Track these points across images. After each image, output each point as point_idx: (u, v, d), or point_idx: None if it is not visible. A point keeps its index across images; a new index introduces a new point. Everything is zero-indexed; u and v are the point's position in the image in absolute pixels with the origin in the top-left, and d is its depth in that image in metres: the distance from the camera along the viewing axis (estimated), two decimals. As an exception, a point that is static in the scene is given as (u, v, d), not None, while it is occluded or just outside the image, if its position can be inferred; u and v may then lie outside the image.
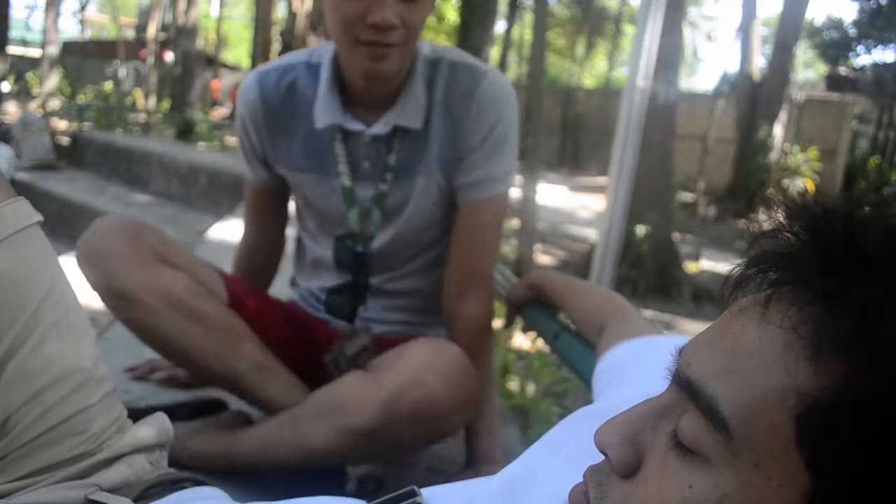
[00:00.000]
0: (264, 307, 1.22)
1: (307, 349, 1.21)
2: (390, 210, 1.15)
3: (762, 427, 0.34)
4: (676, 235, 6.73)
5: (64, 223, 4.95)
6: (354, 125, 1.11)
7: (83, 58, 17.56)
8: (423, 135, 1.12)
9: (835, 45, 13.16)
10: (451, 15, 13.19)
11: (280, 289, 1.40)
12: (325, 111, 1.11)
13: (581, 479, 0.42)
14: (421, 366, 0.98)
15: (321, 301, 1.26)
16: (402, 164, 1.13)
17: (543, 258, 6.49)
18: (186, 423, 1.18)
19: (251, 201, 1.29)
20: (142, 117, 9.87)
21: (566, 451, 0.56)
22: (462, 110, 1.10)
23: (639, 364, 0.75)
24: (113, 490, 0.65)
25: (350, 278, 1.19)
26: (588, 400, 0.82)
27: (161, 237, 1.11)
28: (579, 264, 5.96)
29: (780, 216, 0.37)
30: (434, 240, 1.22)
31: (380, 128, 1.11)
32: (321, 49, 1.16)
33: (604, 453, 0.41)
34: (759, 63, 10.24)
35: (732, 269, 0.39)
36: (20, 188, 0.72)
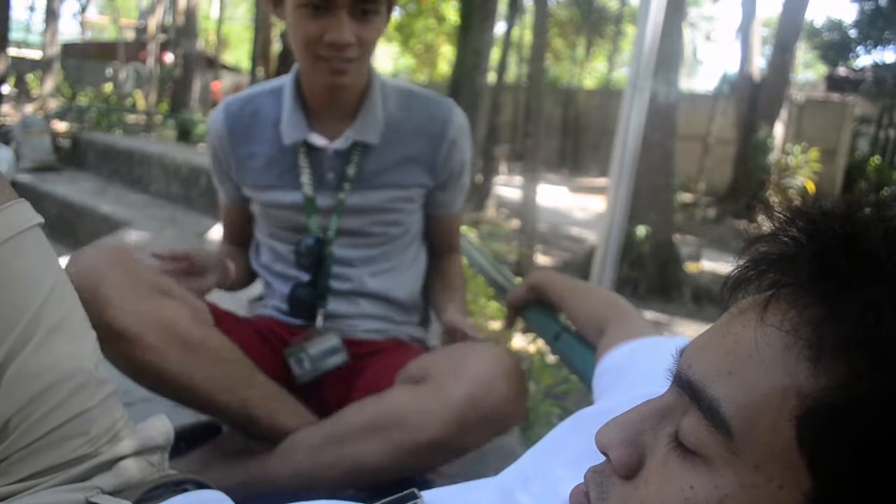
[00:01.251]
0: (237, 324, 1.20)
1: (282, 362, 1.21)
2: (347, 216, 1.22)
3: (763, 428, 0.34)
4: (677, 236, 6.73)
5: (65, 225, 4.95)
6: (318, 140, 1.20)
7: (83, 59, 17.57)
8: (382, 149, 1.21)
9: (835, 47, 13.15)
10: (452, 15, 13.19)
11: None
12: (291, 128, 1.19)
13: (582, 481, 0.42)
14: (489, 371, 0.98)
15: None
16: (361, 174, 1.20)
17: (544, 259, 6.49)
18: (189, 458, 1.14)
19: (227, 219, 1.37)
20: (142, 118, 9.86)
21: (567, 452, 0.57)
22: (435, 136, 1.23)
23: (639, 365, 0.75)
24: (114, 492, 0.65)
25: (310, 278, 1.21)
26: (589, 401, 0.82)
27: (148, 265, 1.05)
28: (579, 265, 5.96)
29: (779, 218, 0.37)
30: (384, 241, 1.26)
31: (340, 143, 1.20)
32: (282, 78, 1.26)
33: (605, 454, 0.41)
34: (759, 64, 10.24)
35: (732, 271, 0.39)
36: (21, 190, 0.72)
